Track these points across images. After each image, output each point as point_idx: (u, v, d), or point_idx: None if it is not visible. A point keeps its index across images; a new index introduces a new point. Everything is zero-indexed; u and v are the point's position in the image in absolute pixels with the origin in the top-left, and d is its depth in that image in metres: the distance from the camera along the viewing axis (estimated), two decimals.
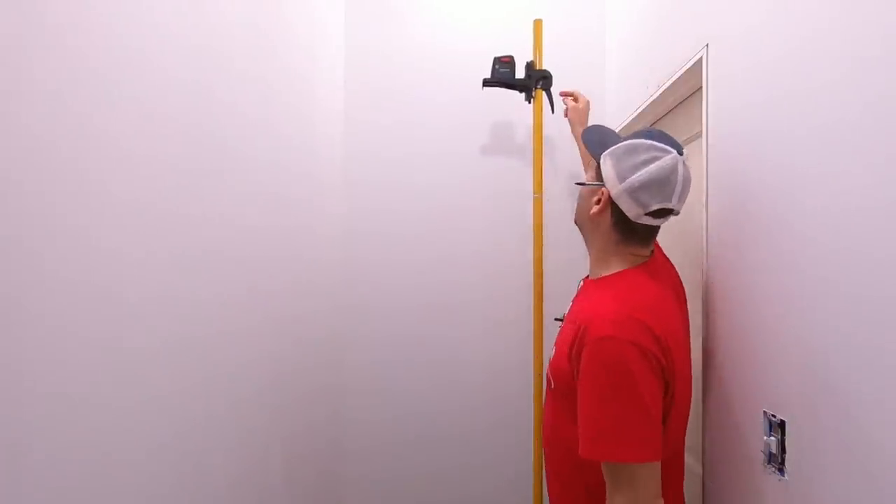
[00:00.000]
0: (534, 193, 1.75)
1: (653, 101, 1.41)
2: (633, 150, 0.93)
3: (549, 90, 1.74)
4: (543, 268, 1.75)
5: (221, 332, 1.03)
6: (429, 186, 1.94)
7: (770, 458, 0.83)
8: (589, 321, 0.88)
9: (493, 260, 1.94)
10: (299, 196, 1.50)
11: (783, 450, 0.79)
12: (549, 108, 1.75)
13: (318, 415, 1.68)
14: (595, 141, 1.02)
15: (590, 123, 1.66)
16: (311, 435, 1.61)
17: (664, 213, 0.93)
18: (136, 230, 0.77)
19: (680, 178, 0.91)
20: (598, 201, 0.97)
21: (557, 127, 1.82)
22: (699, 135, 1.16)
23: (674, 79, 1.25)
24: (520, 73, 1.74)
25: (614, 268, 0.98)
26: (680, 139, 1.38)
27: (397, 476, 1.93)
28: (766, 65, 0.87)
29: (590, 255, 1.06)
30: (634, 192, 0.91)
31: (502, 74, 1.73)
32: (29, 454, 0.58)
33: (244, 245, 1.13)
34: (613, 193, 0.94)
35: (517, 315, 1.90)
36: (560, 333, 1.04)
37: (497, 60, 1.73)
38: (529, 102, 1.76)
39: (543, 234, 1.76)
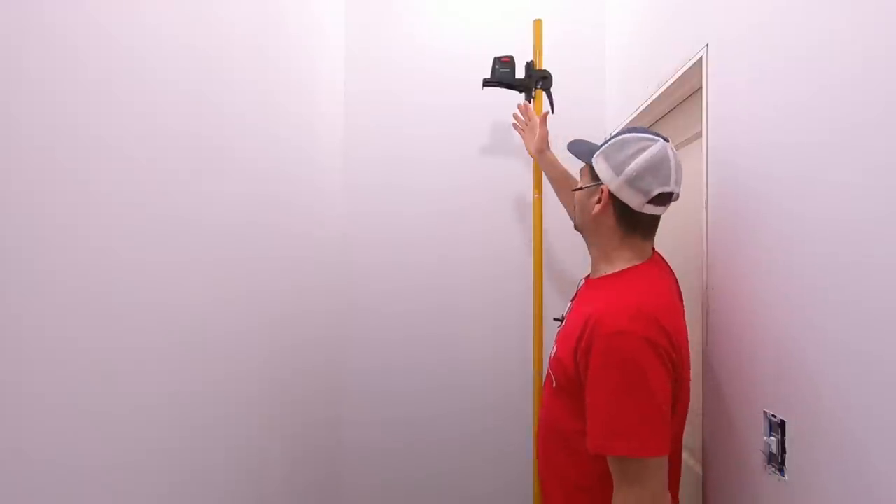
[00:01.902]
0: (534, 194, 1.74)
1: (653, 101, 1.41)
2: (624, 143, 0.96)
3: (549, 90, 1.74)
4: (543, 269, 1.75)
5: (221, 335, 1.03)
6: (429, 188, 1.94)
7: (770, 458, 0.83)
8: (599, 316, 0.88)
9: (493, 262, 1.93)
10: (299, 199, 1.50)
11: (783, 450, 0.79)
12: (550, 107, 1.75)
13: (318, 417, 1.68)
14: (583, 150, 1.06)
15: (589, 127, 1.72)
16: (310, 437, 1.60)
17: (665, 198, 0.95)
18: (135, 234, 0.77)
19: (673, 162, 0.94)
20: (599, 200, 0.99)
21: (558, 126, 1.82)
22: (699, 135, 1.16)
23: (674, 79, 1.25)
24: (520, 74, 1.74)
25: (619, 265, 0.99)
26: (680, 139, 1.38)
27: (397, 478, 1.93)
28: (766, 65, 0.87)
29: (592, 255, 1.07)
30: (633, 181, 0.93)
31: (502, 75, 1.72)
32: (26, 459, 0.58)
33: (243, 248, 1.13)
34: (613, 187, 0.96)
35: (517, 317, 1.90)
36: (562, 331, 1.05)
37: (497, 60, 1.73)
38: (530, 102, 1.76)
39: (543, 235, 1.76)
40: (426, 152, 1.94)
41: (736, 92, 0.97)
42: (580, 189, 1.05)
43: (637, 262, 0.99)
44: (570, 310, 1.12)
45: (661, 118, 1.52)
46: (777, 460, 0.80)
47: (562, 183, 1.52)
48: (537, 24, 1.75)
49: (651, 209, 0.95)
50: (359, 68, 1.95)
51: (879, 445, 0.61)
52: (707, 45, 1.09)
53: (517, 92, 1.76)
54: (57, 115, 0.63)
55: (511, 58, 1.73)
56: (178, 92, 0.88)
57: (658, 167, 0.93)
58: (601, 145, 1.01)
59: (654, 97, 1.38)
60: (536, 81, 1.72)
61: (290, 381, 1.42)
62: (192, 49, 0.92)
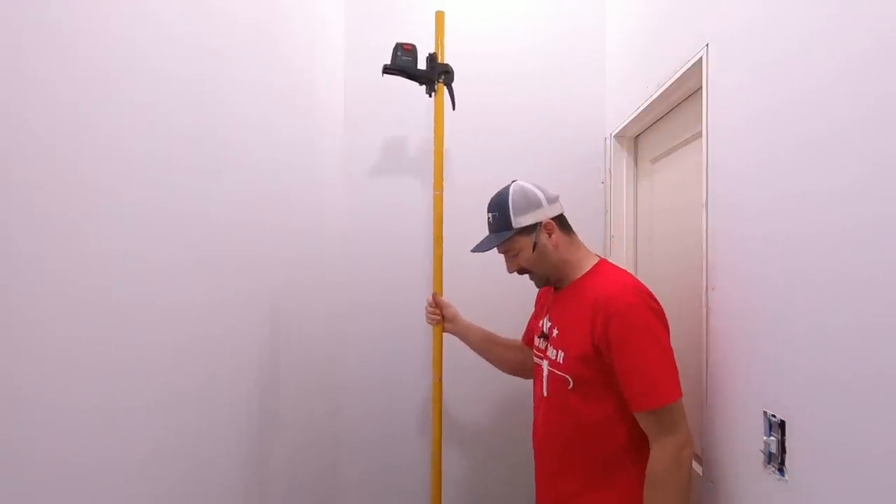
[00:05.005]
0: (434, 190, 1.64)
1: (653, 101, 1.41)
2: (521, 194, 1.17)
3: (451, 85, 1.65)
4: (444, 265, 1.65)
5: (222, 330, 1.03)
6: (428, 183, 1.93)
7: (770, 458, 0.83)
8: (606, 297, 1.04)
9: (493, 256, 1.92)
10: (300, 194, 1.50)
11: (783, 450, 0.79)
12: (451, 103, 1.67)
13: (318, 411, 1.68)
14: (492, 236, 1.22)
15: (589, 127, 1.77)
16: (310, 431, 1.61)
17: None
18: (136, 230, 0.77)
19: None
20: (550, 234, 1.16)
21: (558, 126, 1.82)
22: (699, 135, 1.16)
23: (674, 79, 1.25)
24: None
25: (585, 265, 1.17)
26: (680, 139, 1.39)
27: (395, 470, 1.94)
28: (766, 64, 0.87)
29: (560, 274, 1.19)
30: (550, 199, 1.18)
31: (404, 63, 1.60)
32: (28, 458, 0.58)
33: (244, 243, 1.13)
34: (550, 213, 1.17)
35: (516, 309, 1.88)
36: (559, 336, 1.14)
37: (399, 47, 1.59)
38: (430, 96, 1.68)
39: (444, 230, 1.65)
40: (426, 145, 1.93)
41: (736, 92, 0.97)
42: (535, 247, 1.16)
43: (598, 258, 1.19)
44: (552, 319, 1.20)
45: (661, 118, 1.52)
46: (777, 460, 0.80)
47: (486, 343, 1.52)
48: (439, 15, 1.65)
49: (561, 208, 1.20)
50: (358, 63, 1.93)
51: (879, 445, 0.61)
52: (707, 45, 1.09)
53: (417, 84, 1.67)
54: (57, 110, 0.62)
55: (413, 46, 1.61)
56: (179, 85, 0.88)
57: (537, 185, 1.19)
58: (501, 220, 1.18)
59: (654, 97, 1.38)
60: (439, 75, 1.62)
61: (290, 377, 1.43)
62: (192, 40, 0.92)
